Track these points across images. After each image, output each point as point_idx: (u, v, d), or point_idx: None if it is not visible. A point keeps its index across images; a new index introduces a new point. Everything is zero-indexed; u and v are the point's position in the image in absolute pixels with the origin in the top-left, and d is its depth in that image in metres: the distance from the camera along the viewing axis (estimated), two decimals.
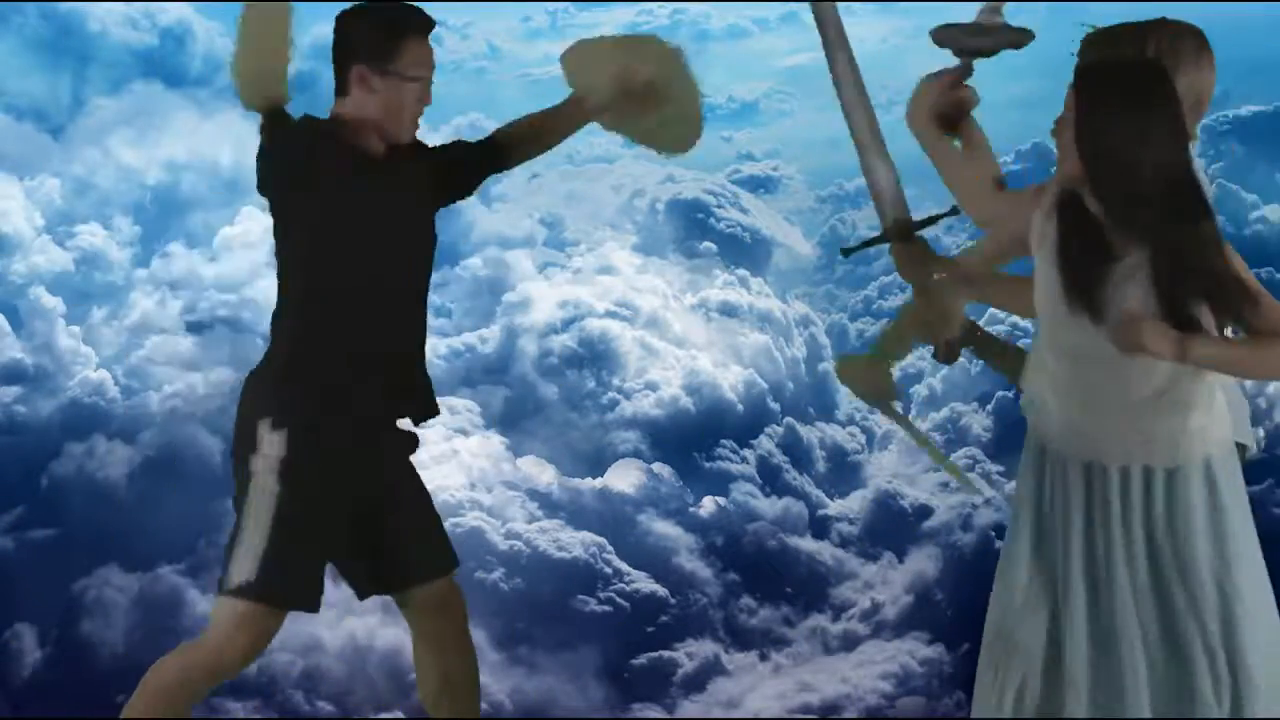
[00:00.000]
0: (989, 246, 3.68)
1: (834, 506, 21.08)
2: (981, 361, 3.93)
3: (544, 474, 20.42)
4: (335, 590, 3.90)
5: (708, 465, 21.25)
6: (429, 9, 3.67)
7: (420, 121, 3.74)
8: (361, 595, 3.87)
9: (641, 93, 3.87)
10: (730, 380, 22.23)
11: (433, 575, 3.83)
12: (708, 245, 24.70)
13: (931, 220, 3.82)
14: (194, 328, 21.91)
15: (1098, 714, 3.26)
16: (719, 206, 25.55)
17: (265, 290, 21.58)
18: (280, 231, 3.65)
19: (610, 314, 22.89)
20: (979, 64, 3.71)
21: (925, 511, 20.44)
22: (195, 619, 17.29)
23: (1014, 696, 3.34)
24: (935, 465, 21.80)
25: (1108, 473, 3.27)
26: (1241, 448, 3.48)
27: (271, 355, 3.68)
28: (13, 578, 17.83)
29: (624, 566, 19.05)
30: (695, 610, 18.90)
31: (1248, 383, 3.64)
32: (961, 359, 3.77)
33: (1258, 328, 3.09)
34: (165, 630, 17.20)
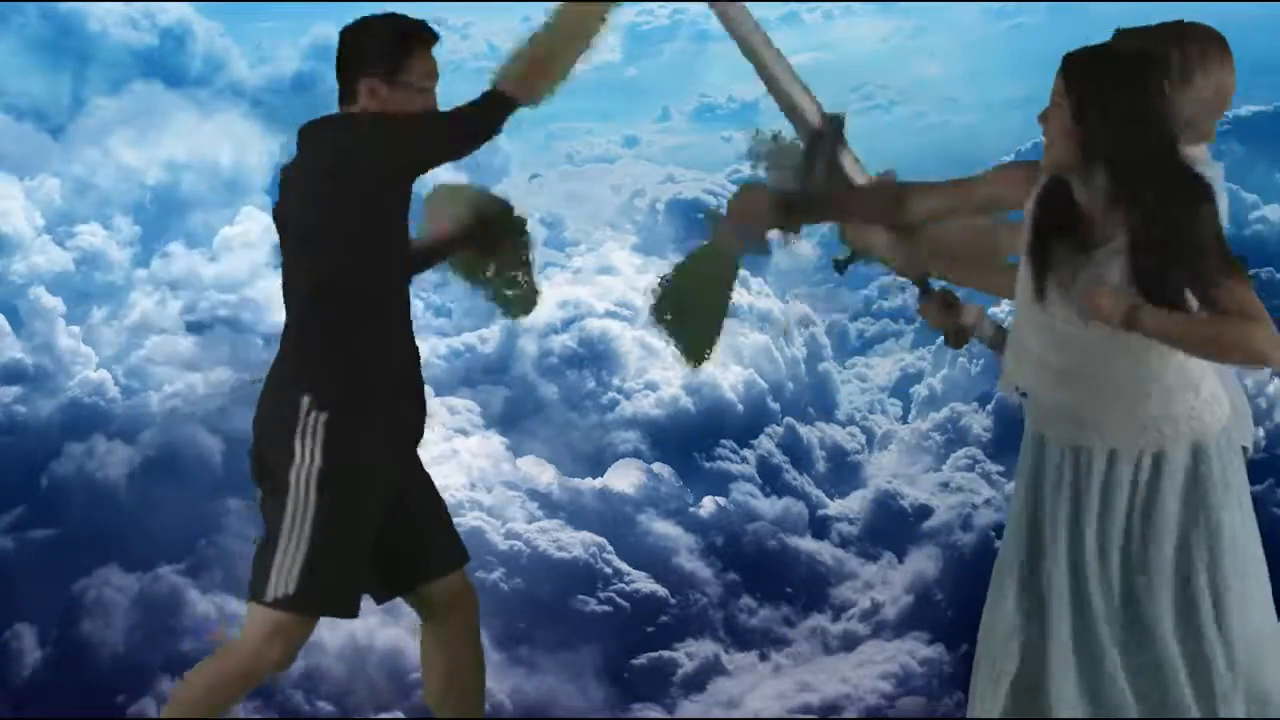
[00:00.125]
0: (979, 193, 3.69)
1: (834, 506, 21.10)
2: (980, 361, 3.94)
3: (544, 474, 20.44)
4: None
5: (708, 465, 21.27)
6: (429, 10, 3.71)
7: None
8: (380, 599, 3.88)
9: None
10: (730, 380, 22.25)
11: (447, 569, 3.84)
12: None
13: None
14: (194, 328, 21.94)
15: (1086, 711, 3.28)
16: (719, 206, 25.56)
17: (265, 290, 21.59)
18: (353, 237, 3.63)
19: (610, 314, 22.91)
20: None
21: (925, 511, 20.46)
22: (195, 619, 17.30)
23: (1008, 697, 3.35)
24: (936, 465, 21.83)
25: (1093, 455, 3.29)
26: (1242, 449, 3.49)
27: (304, 365, 3.65)
28: (13, 578, 17.84)
29: (624, 566, 19.07)
30: (695, 610, 18.92)
31: (1249, 382, 3.65)
32: (962, 360, 3.78)
33: (1222, 308, 3.11)
34: (165, 630, 17.22)
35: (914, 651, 18.13)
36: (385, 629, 16.62)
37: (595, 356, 22.47)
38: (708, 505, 20.46)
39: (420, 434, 3.81)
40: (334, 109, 3.76)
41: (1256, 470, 3.56)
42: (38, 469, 19.33)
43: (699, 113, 36.23)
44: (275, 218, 3.74)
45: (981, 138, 28.22)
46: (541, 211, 25.08)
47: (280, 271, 3.75)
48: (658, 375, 22.31)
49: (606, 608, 18.63)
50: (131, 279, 23.03)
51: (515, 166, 27.26)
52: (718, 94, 35.76)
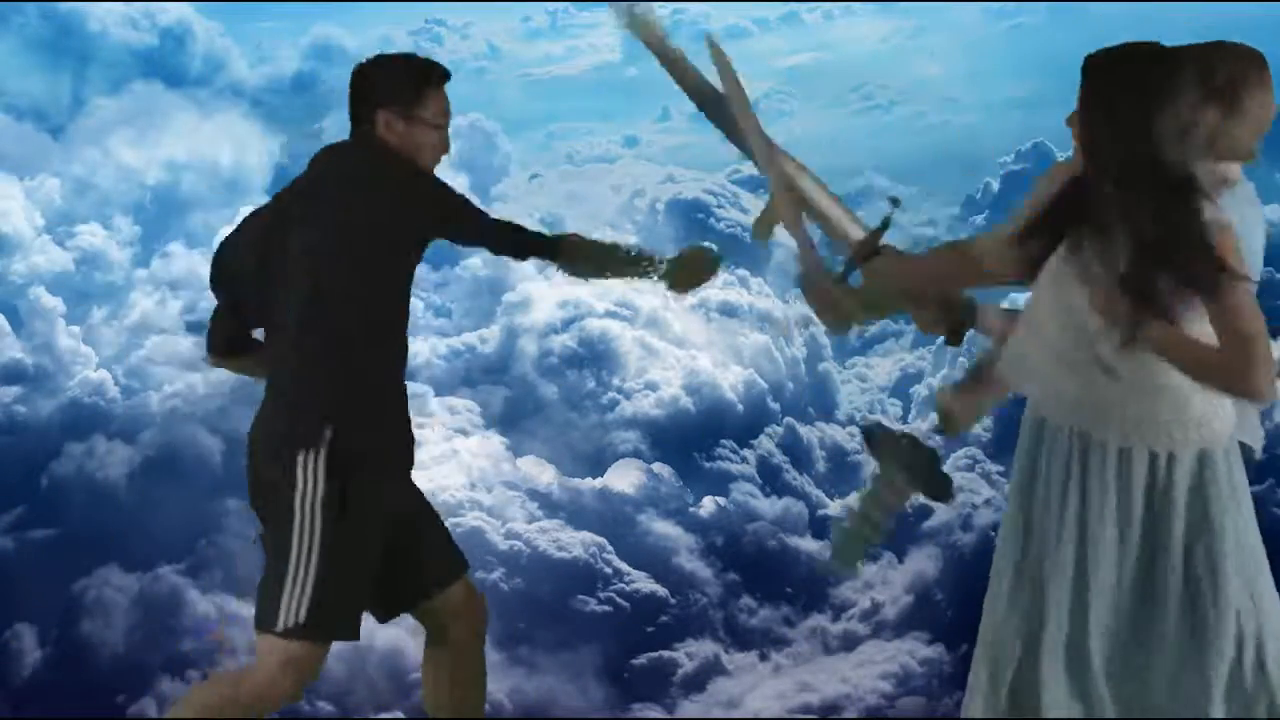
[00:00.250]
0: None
1: (834, 506, 21.09)
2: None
3: (544, 474, 20.43)
4: None
5: (708, 465, 21.27)
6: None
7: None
8: (382, 618, 3.88)
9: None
10: (730, 380, 22.25)
11: (446, 581, 3.86)
12: (708, 245, 24.72)
13: (884, 228, 3.88)
14: (194, 328, 21.88)
15: (1080, 713, 3.28)
16: (719, 206, 25.60)
17: None
18: (365, 267, 3.65)
19: (610, 314, 22.91)
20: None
21: (925, 511, 20.43)
22: (195, 619, 17.30)
23: (1007, 696, 3.35)
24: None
25: (1106, 452, 3.29)
26: (1246, 448, 3.49)
27: (305, 390, 3.64)
28: (13, 578, 17.84)
29: (624, 566, 19.06)
30: (695, 610, 18.91)
31: None
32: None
33: (1222, 308, 3.11)
34: (165, 630, 17.22)
35: (914, 651, 18.13)
36: (385, 629, 16.57)
37: (595, 356, 22.47)
38: (708, 505, 20.45)
39: (412, 452, 3.83)
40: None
41: (1257, 470, 3.56)
42: (38, 469, 19.33)
43: (699, 113, 36.18)
44: (274, 215, 3.73)
45: (981, 138, 28.19)
46: (541, 211, 25.08)
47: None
48: (657, 375, 22.31)
49: (606, 608, 18.63)
50: (131, 279, 23.02)
51: (515, 166, 27.26)
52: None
